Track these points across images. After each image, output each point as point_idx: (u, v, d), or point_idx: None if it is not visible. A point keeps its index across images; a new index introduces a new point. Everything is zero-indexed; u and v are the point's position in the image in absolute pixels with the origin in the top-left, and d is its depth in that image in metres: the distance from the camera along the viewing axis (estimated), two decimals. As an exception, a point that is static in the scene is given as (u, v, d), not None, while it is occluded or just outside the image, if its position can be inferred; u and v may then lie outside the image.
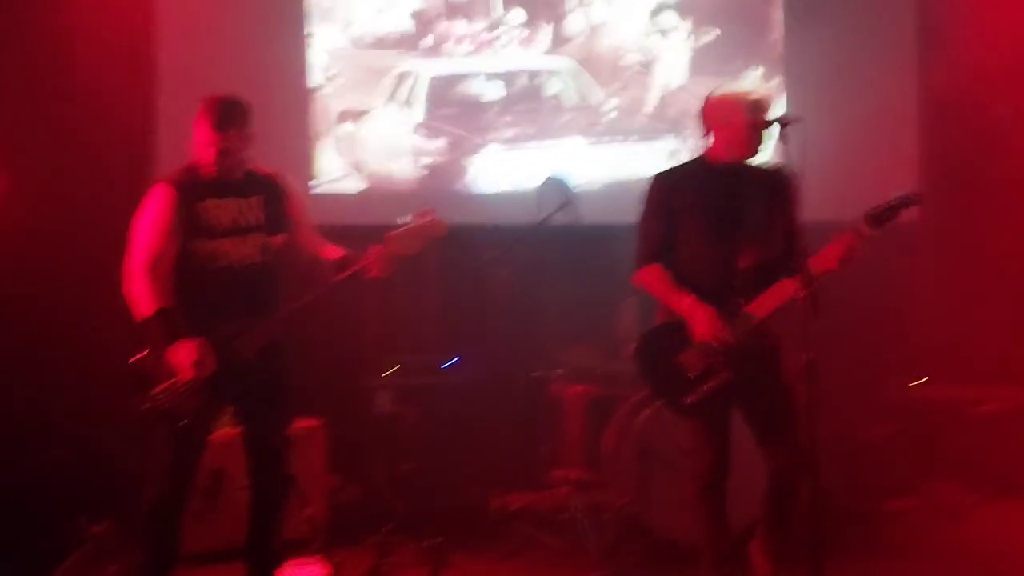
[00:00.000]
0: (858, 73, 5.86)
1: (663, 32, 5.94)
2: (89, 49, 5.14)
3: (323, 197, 5.58)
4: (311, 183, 5.62)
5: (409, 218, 3.63)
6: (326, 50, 5.68)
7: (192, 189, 3.46)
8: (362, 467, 4.86)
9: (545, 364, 5.06)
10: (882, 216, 3.44)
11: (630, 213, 3.80)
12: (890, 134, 5.93)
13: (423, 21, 5.77)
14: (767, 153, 3.67)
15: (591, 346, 5.03)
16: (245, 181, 3.56)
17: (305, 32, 5.63)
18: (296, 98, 5.60)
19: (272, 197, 3.59)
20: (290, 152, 5.44)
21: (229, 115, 3.46)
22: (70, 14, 5.18)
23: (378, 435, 4.80)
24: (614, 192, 5.65)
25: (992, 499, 5.16)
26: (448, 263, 5.55)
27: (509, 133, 5.83)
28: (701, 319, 3.52)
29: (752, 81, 3.78)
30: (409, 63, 5.73)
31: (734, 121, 3.60)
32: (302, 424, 4.75)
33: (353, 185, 5.73)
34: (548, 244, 5.08)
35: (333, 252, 3.65)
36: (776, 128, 3.46)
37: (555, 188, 4.88)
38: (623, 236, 3.87)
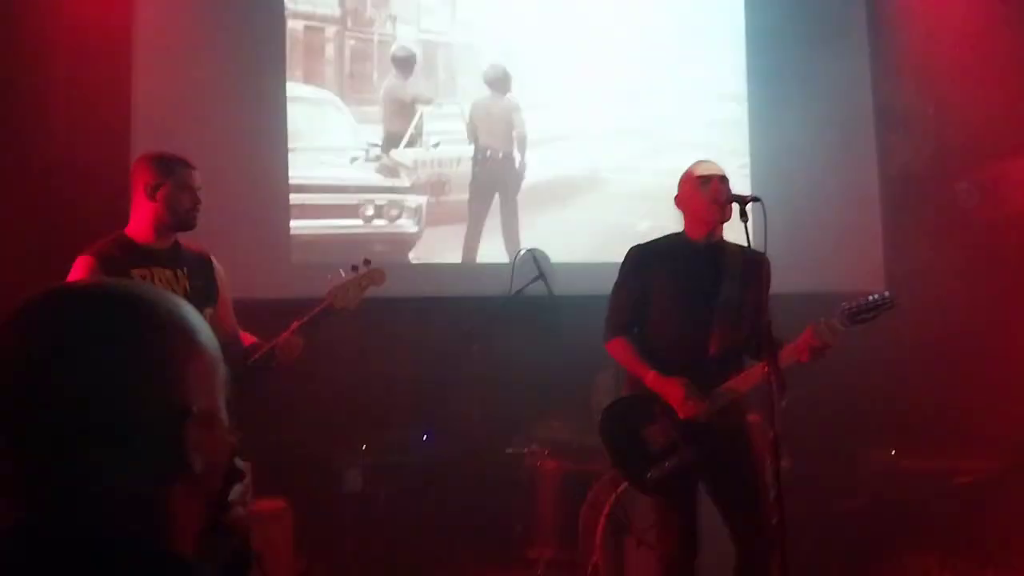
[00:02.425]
0: (820, 153, 5.99)
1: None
2: (65, 103, 5.12)
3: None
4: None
5: (349, 271, 3.56)
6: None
7: (119, 258, 3.33)
8: (331, 548, 4.74)
9: (519, 439, 5.00)
10: (858, 316, 3.46)
11: (604, 286, 3.82)
12: (854, 210, 6.03)
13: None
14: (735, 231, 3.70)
15: (566, 419, 4.99)
16: (172, 251, 3.45)
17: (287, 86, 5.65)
18: (275, 152, 5.59)
19: (199, 271, 3.49)
20: (268, 199, 5.44)
21: (175, 171, 3.38)
22: (45, 70, 5.17)
23: (348, 515, 4.68)
24: (589, 267, 5.67)
25: (969, 571, 5.13)
26: (420, 336, 5.52)
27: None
28: (670, 393, 3.51)
29: (709, 161, 3.83)
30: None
31: (693, 199, 3.67)
32: (268, 504, 4.63)
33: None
34: (522, 317, 5.06)
35: (247, 338, 3.58)
36: (736, 207, 3.51)
37: (529, 261, 4.89)
38: (598, 308, 3.87)
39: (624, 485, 4.40)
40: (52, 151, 5.08)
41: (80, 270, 3.31)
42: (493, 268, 5.57)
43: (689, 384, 3.51)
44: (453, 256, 5.84)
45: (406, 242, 5.77)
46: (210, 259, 3.57)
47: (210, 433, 1.02)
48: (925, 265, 5.66)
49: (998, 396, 5.28)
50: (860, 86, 6.23)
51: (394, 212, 5.79)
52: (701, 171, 3.72)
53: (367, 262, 3.56)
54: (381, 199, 5.79)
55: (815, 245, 5.63)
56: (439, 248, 5.83)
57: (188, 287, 3.43)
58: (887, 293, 3.53)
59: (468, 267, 5.78)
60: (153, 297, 1.03)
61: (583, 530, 4.66)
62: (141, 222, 3.42)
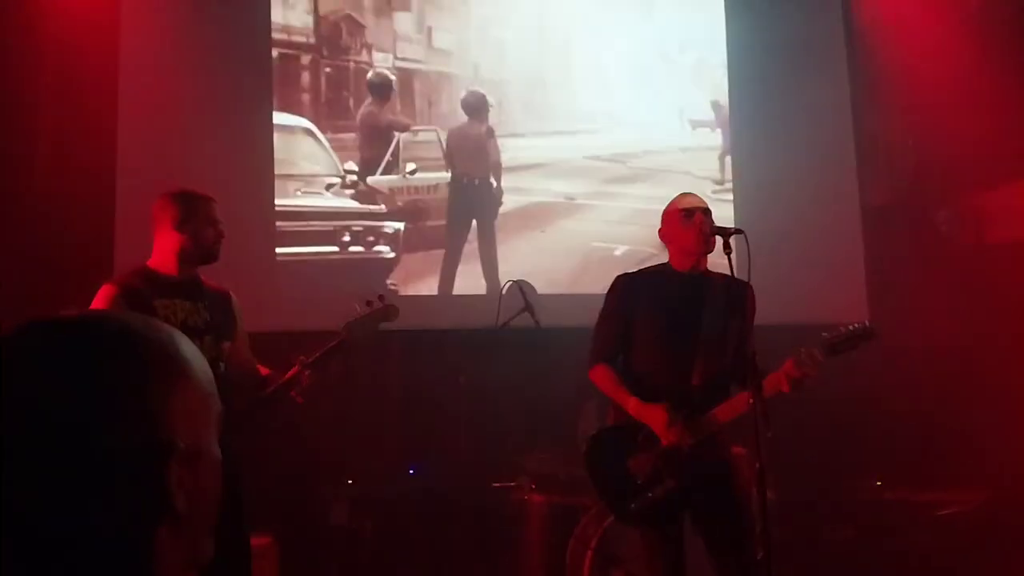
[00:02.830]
0: (802, 183, 6.04)
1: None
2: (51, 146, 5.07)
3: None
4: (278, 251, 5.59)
5: (364, 306, 3.60)
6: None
7: (142, 289, 3.37)
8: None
9: (506, 472, 4.98)
10: (839, 346, 3.48)
11: (587, 316, 3.84)
12: (836, 240, 6.08)
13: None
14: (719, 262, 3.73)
15: (553, 453, 4.97)
16: (194, 285, 3.49)
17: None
18: (260, 181, 5.56)
19: (218, 306, 3.53)
20: (254, 228, 5.41)
21: (200, 205, 3.45)
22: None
23: (333, 549, 4.64)
24: (569, 297, 5.68)
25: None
26: (406, 369, 5.49)
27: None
28: (652, 419, 3.52)
29: (692, 193, 3.88)
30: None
31: (677, 232, 3.70)
32: (253, 540, 4.57)
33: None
34: (507, 349, 5.05)
35: (262, 370, 3.63)
36: (719, 239, 3.54)
37: (516, 292, 4.88)
38: (582, 340, 3.88)
39: (611, 518, 4.40)
40: (37, 182, 5.03)
41: (103, 300, 3.34)
42: (476, 299, 5.55)
43: (671, 408, 3.52)
44: (432, 280, 5.82)
45: (383, 268, 5.74)
46: (230, 296, 3.62)
47: (197, 471, 0.96)
48: (908, 294, 5.69)
49: (983, 426, 5.31)
50: (841, 116, 6.29)
51: (370, 239, 5.77)
52: (684, 204, 3.74)
53: (381, 298, 3.62)
54: (357, 226, 5.77)
55: (798, 276, 5.66)
56: (417, 274, 5.81)
57: (208, 319, 3.45)
58: (867, 323, 3.55)
59: (452, 298, 5.76)
60: (141, 329, 0.97)
61: (571, 564, 4.63)
62: (165, 255, 3.47)
